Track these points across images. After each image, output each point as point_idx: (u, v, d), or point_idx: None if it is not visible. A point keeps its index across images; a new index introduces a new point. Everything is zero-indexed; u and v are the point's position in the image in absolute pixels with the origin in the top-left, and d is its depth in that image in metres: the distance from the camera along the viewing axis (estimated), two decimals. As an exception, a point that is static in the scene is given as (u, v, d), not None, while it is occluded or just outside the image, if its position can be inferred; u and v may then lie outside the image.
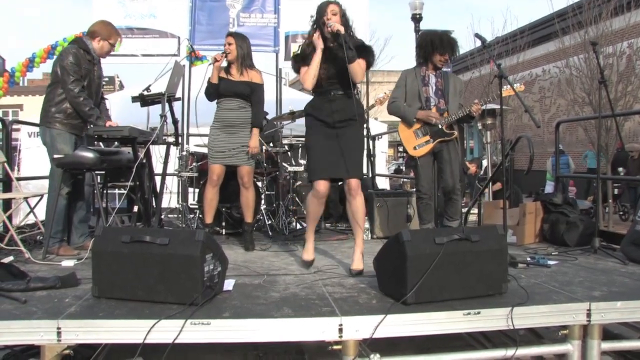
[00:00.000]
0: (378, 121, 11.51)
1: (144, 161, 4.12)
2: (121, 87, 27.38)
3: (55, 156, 3.73)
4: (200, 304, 2.49)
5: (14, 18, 66.74)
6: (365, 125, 4.96)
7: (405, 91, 4.26)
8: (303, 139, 5.63)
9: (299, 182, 5.66)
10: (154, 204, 4.47)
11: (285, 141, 5.45)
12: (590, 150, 11.70)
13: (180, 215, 5.28)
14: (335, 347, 2.40)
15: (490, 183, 5.66)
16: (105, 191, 4.37)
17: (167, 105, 4.12)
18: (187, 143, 5.72)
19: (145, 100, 4.17)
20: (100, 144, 4.52)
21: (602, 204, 9.11)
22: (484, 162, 8.86)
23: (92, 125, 3.81)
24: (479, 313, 2.49)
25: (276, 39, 6.92)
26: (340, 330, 2.37)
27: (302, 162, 5.68)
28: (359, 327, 2.39)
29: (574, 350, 2.60)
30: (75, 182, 3.93)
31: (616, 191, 10.52)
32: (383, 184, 9.13)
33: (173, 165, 5.26)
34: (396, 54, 52.50)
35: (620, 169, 10.23)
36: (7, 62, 23.14)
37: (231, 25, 6.79)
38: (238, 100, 4.18)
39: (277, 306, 2.58)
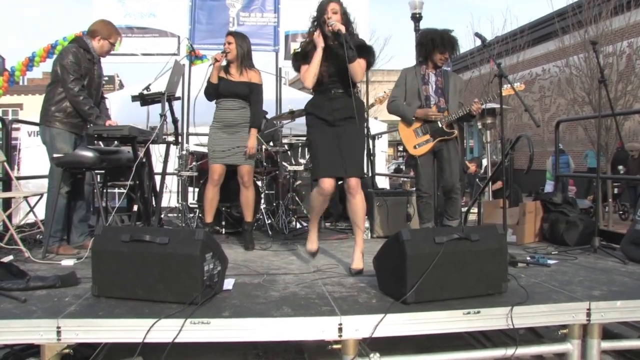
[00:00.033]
0: (378, 120, 11.50)
1: (144, 160, 4.12)
2: (121, 86, 27.38)
3: (55, 155, 3.73)
4: (200, 303, 2.49)
5: (14, 18, 66.75)
6: (365, 124, 4.96)
7: (405, 90, 4.26)
8: (303, 138, 5.65)
9: (298, 182, 5.66)
10: (153, 203, 4.47)
11: (285, 140, 5.45)
12: (590, 150, 11.71)
13: (180, 215, 5.28)
14: (335, 346, 2.40)
15: (490, 182, 5.66)
16: (105, 190, 4.36)
17: (167, 104, 4.12)
18: (187, 142, 5.72)
19: (145, 99, 4.17)
20: (100, 143, 4.52)
21: (602, 203, 9.12)
22: (484, 162, 8.87)
23: (91, 124, 3.82)
24: (478, 312, 2.49)
25: (276, 38, 6.91)
26: (340, 329, 2.37)
27: (302, 161, 5.68)
28: (359, 327, 2.39)
29: (574, 349, 2.60)
30: (75, 182, 3.93)
31: (616, 190, 10.52)
32: (383, 183, 9.12)
33: (173, 164, 5.26)
34: (396, 53, 52.47)
35: (620, 167, 10.24)
36: (7, 61, 23.15)
37: (231, 25, 6.79)
38: (237, 100, 4.18)
39: (276, 305, 2.58)
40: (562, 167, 10.45)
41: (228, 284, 2.90)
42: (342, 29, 3.21)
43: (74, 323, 2.33)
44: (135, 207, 4.12)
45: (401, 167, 20.59)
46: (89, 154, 3.69)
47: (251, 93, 4.17)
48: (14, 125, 6.60)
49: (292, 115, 5.28)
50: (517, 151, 6.50)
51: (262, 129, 5.67)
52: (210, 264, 2.63)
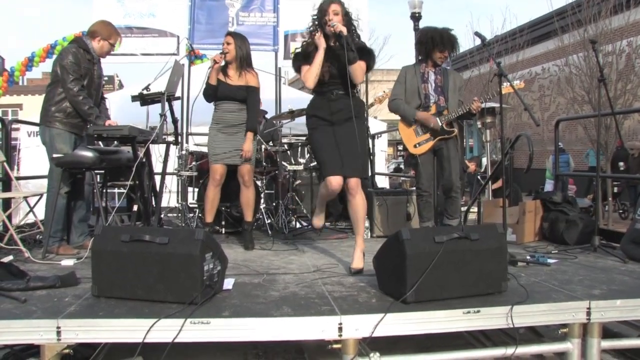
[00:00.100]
0: (377, 120, 11.51)
1: (144, 160, 4.11)
2: (121, 86, 27.38)
3: (55, 155, 3.73)
4: (200, 303, 2.49)
5: (14, 18, 66.73)
6: (366, 125, 4.96)
7: (405, 88, 4.26)
8: (303, 138, 5.65)
9: (298, 181, 5.66)
10: (153, 203, 4.47)
11: (284, 140, 5.45)
12: (592, 149, 11.72)
13: (179, 215, 5.28)
14: (334, 346, 2.40)
15: (490, 181, 5.66)
16: (104, 190, 4.36)
17: (166, 104, 4.12)
18: (187, 142, 5.72)
19: (144, 99, 4.17)
20: (100, 143, 4.52)
21: (601, 202, 9.13)
22: (484, 161, 8.86)
23: (91, 125, 3.81)
24: (478, 312, 2.49)
25: (275, 38, 6.91)
26: (340, 329, 2.37)
27: (302, 160, 5.69)
28: (359, 326, 2.39)
29: (574, 348, 2.60)
30: (74, 182, 3.93)
31: (616, 189, 10.54)
32: (383, 182, 9.13)
33: (172, 164, 5.26)
34: (395, 52, 52.45)
35: (621, 164, 10.25)
36: (6, 61, 23.12)
37: (230, 25, 6.79)
38: (236, 102, 4.18)
39: (276, 305, 2.58)
40: (562, 166, 10.46)
41: (228, 283, 2.90)
42: (344, 30, 3.21)
43: (73, 323, 2.33)
44: (135, 207, 4.12)
45: (401, 166, 20.60)
46: (88, 154, 3.68)
47: (248, 96, 4.17)
48: (14, 126, 6.60)
49: (292, 114, 5.28)
50: (516, 150, 6.50)
51: (261, 128, 5.69)
52: (210, 263, 2.63)
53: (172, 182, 5.66)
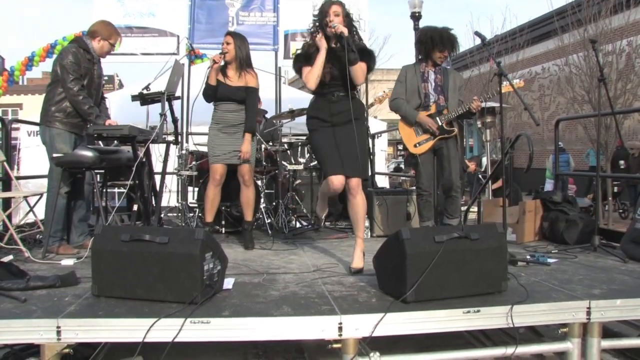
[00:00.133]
0: (377, 119, 11.51)
1: (144, 160, 4.11)
2: (120, 85, 27.40)
3: (55, 155, 3.73)
4: (200, 303, 2.49)
5: (14, 18, 66.72)
6: (366, 125, 4.96)
7: (405, 87, 4.26)
8: (303, 137, 5.65)
9: (298, 181, 5.66)
10: (153, 202, 4.47)
11: (284, 140, 5.45)
12: (592, 149, 11.73)
13: (179, 214, 5.28)
14: (334, 345, 2.40)
15: (490, 181, 5.66)
16: (104, 190, 4.36)
17: (166, 104, 4.11)
18: (187, 142, 5.73)
19: (144, 99, 4.16)
20: (100, 142, 4.52)
21: (601, 202, 9.13)
22: (484, 160, 8.86)
23: (91, 124, 3.81)
24: (478, 311, 2.49)
25: (275, 38, 6.92)
26: (340, 328, 2.37)
27: (302, 160, 5.68)
28: (359, 326, 2.39)
29: (574, 348, 2.60)
30: (74, 181, 3.93)
31: (616, 189, 10.54)
32: (382, 182, 9.13)
33: (173, 164, 5.26)
34: (395, 52, 52.49)
35: (622, 162, 10.25)
36: (6, 61, 23.12)
37: (230, 24, 6.79)
38: (235, 103, 4.18)
39: (276, 305, 2.58)
40: (562, 166, 10.46)
41: (228, 283, 2.90)
42: (345, 31, 3.21)
43: (73, 323, 2.33)
44: (135, 207, 4.12)
45: (401, 166, 20.61)
46: (88, 153, 3.68)
47: (247, 96, 4.16)
48: (14, 125, 6.59)
49: (292, 114, 5.28)
50: (516, 150, 6.51)
51: (261, 128, 5.69)
52: (210, 263, 2.63)
53: (172, 182, 5.66)
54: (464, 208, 4.84)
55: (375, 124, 9.31)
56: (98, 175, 4.19)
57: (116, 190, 5.58)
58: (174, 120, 4.38)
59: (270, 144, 5.28)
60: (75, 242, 3.98)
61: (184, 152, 5.08)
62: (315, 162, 5.33)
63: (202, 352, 2.89)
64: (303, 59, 3.42)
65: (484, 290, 2.69)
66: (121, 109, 5.92)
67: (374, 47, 16.49)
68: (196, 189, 5.11)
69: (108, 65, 4.72)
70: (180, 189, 5.35)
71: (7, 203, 4.54)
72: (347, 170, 3.29)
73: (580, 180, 11.45)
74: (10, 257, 3.51)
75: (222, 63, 4.17)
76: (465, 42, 17.37)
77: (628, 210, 10.39)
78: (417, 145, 4.24)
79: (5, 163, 4.43)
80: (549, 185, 11.43)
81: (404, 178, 12.06)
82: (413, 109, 4.21)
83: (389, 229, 4.70)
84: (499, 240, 2.77)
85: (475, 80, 14.24)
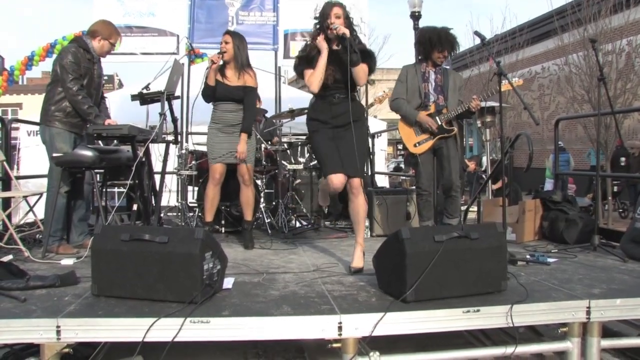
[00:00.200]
0: (377, 119, 11.50)
1: (144, 159, 4.11)
2: (120, 85, 27.40)
3: (54, 155, 3.73)
4: (200, 302, 2.49)
5: (14, 18, 66.69)
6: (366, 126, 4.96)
7: (406, 87, 4.26)
8: (302, 137, 5.65)
9: (298, 180, 5.66)
10: (153, 202, 4.46)
11: (284, 139, 5.45)
12: (593, 148, 11.73)
13: (179, 214, 5.28)
14: (334, 345, 2.40)
15: (490, 181, 5.66)
16: (104, 189, 4.36)
17: (166, 103, 4.11)
18: (187, 141, 5.73)
19: (144, 98, 4.16)
20: (100, 142, 4.52)
21: (601, 202, 9.13)
22: (484, 160, 8.87)
23: (91, 124, 3.81)
24: (478, 311, 2.49)
25: (275, 37, 6.91)
26: (340, 328, 2.37)
27: (302, 160, 5.68)
28: (359, 325, 2.39)
29: (574, 347, 2.60)
30: (74, 181, 3.93)
31: (616, 188, 10.54)
32: (382, 181, 9.13)
33: (172, 163, 5.25)
34: (395, 52, 52.53)
35: (622, 159, 10.25)
36: (6, 60, 23.11)
37: (230, 24, 6.79)
38: (235, 103, 4.18)
39: (276, 304, 2.58)
40: (562, 165, 10.46)
41: (228, 282, 2.90)
42: (347, 32, 3.21)
43: (73, 322, 2.33)
44: (135, 206, 4.12)
45: (400, 165, 20.61)
46: (88, 153, 3.68)
47: (245, 96, 4.16)
48: (14, 125, 6.58)
49: (292, 114, 5.27)
50: (516, 149, 6.50)
51: (261, 127, 5.69)
52: (210, 262, 2.63)
53: (171, 181, 5.66)
54: (463, 208, 4.84)
55: (375, 124, 9.30)
56: (98, 175, 4.19)
57: (116, 189, 5.58)
58: (174, 120, 4.38)
59: (270, 143, 5.28)
60: (75, 242, 3.98)
61: (183, 151, 5.08)
62: (315, 162, 5.33)
63: (202, 351, 2.89)
64: (305, 62, 3.42)
65: (483, 289, 2.68)
66: (121, 109, 5.92)
67: (373, 46, 16.51)
68: (196, 189, 5.11)
69: (108, 65, 4.72)
70: (180, 189, 5.35)
71: (6, 203, 4.54)
72: (349, 170, 3.30)
73: (580, 180, 11.45)
74: (10, 256, 3.52)
75: (221, 63, 4.16)
76: (465, 42, 17.39)
77: (628, 210, 10.39)
78: (417, 144, 4.24)
79: (5, 163, 4.43)
80: (548, 185, 11.43)
81: (403, 178, 12.06)
82: (413, 109, 4.22)
83: (388, 229, 4.70)
84: (498, 240, 2.77)
85: (475, 79, 14.24)
